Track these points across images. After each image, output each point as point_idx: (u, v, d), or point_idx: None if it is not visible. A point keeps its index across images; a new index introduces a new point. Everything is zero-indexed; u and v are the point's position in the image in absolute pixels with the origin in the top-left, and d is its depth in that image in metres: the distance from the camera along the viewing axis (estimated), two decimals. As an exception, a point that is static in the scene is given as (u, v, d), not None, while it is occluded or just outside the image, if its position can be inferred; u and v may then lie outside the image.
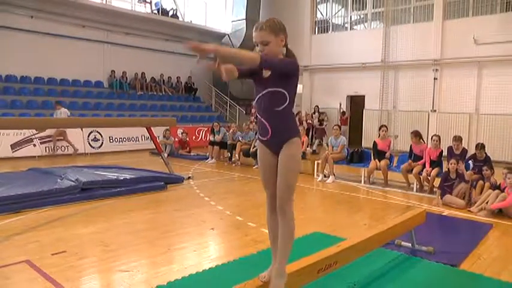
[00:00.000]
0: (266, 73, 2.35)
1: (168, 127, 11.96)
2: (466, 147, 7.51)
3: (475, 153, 7.07)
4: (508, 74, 12.39)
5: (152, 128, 8.40)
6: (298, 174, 2.43)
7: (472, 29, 12.94)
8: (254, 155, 9.63)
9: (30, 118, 10.22)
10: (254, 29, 2.33)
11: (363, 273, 3.47)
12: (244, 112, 17.30)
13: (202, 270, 3.49)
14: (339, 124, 11.39)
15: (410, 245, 4.12)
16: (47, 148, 11.04)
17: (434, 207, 6.23)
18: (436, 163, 7.22)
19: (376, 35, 15.10)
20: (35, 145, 10.79)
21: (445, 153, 7.33)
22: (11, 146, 10.44)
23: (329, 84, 16.81)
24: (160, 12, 16.48)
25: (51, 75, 13.74)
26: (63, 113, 10.87)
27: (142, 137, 12.83)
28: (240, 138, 10.67)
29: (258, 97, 2.39)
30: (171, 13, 17.10)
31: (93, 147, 12.03)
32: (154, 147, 8.93)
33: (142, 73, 15.91)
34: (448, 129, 12.83)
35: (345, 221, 5.46)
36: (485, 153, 7.00)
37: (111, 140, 12.50)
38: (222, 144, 10.99)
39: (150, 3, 16.65)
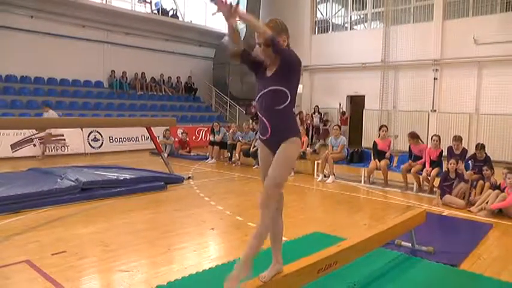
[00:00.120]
0: (269, 72, 2.36)
1: (168, 127, 11.96)
2: (466, 147, 7.51)
3: (475, 153, 7.07)
4: (508, 74, 12.39)
5: (152, 128, 8.40)
6: (288, 173, 2.42)
7: (472, 29, 12.94)
8: (254, 155, 9.63)
9: (30, 118, 10.22)
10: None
11: (363, 273, 3.47)
12: (244, 112, 17.30)
13: (202, 270, 3.49)
14: (339, 124, 11.39)
15: (410, 245, 4.12)
16: (47, 148, 11.02)
17: (434, 207, 6.23)
18: (436, 163, 7.21)
19: (376, 35, 15.11)
20: (35, 145, 10.79)
21: (445, 153, 7.32)
22: (11, 146, 10.45)
23: (329, 84, 16.82)
24: (160, 12, 16.49)
25: (51, 75, 13.74)
26: (51, 115, 10.43)
27: (142, 137, 12.84)
28: (240, 138, 10.67)
29: (259, 95, 2.39)
30: (171, 13, 17.11)
31: (93, 147, 12.03)
32: (154, 147, 8.93)
33: (142, 73, 15.91)
34: (448, 129, 12.83)
35: (345, 221, 5.46)
36: (485, 153, 7.00)
37: (111, 140, 12.50)
38: (222, 144, 10.99)
39: (150, 3, 16.65)
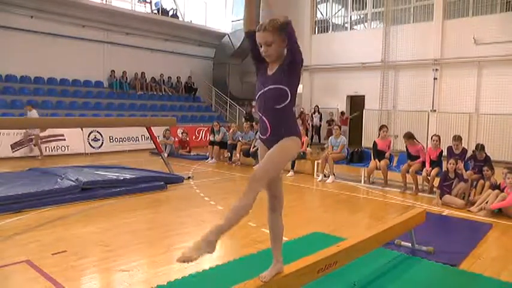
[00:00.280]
0: (270, 70, 2.34)
1: (168, 127, 11.96)
2: (466, 147, 7.51)
3: (475, 154, 7.07)
4: (508, 74, 12.40)
5: (152, 128, 8.40)
6: (280, 167, 2.33)
7: (472, 29, 12.95)
8: (254, 155, 9.63)
9: (30, 118, 10.18)
10: (257, 29, 2.31)
11: (363, 273, 3.47)
12: (244, 112, 17.31)
13: (202, 270, 3.49)
14: (339, 124, 11.39)
15: (410, 244, 4.12)
16: (46, 148, 11.04)
17: (434, 207, 6.24)
18: (436, 163, 7.21)
19: (376, 35, 15.12)
20: (35, 145, 10.78)
21: (445, 153, 7.33)
22: (11, 146, 10.45)
23: (329, 84, 16.82)
24: (160, 12, 16.49)
25: (51, 75, 13.74)
26: (33, 115, 10.27)
27: (142, 137, 12.84)
28: (240, 138, 10.67)
29: (259, 94, 2.36)
30: (171, 13, 17.10)
31: (93, 147, 12.03)
32: (154, 147, 8.93)
33: (142, 73, 15.91)
34: (448, 129, 12.84)
35: (345, 221, 5.47)
36: (485, 153, 7.00)
37: (111, 140, 12.51)
38: (222, 144, 10.99)
39: (150, 3, 16.65)
